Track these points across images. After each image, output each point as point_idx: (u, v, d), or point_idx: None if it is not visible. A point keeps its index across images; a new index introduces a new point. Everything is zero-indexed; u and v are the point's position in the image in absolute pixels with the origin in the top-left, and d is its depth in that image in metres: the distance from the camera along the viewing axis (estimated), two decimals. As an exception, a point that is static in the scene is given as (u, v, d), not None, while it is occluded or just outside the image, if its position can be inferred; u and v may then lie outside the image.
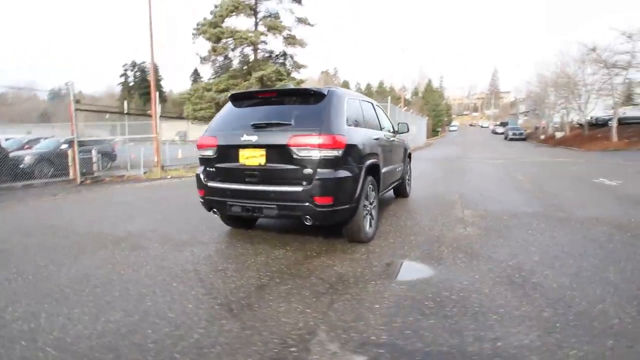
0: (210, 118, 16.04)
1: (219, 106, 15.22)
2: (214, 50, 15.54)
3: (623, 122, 21.34)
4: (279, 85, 15.29)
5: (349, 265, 3.20)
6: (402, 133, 5.66)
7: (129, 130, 15.19)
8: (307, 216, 3.26)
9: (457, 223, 4.60)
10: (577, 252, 3.45)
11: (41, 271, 3.14)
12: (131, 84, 67.65)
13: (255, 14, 16.08)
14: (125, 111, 15.91)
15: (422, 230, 4.33)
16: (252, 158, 3.43)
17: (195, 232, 4.32)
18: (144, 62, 66.46)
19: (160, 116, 12.37)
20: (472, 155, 18.64)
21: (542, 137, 32.75)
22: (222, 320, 2.27)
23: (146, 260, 3.39)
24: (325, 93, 3.50)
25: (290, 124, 3.40)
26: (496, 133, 51.39)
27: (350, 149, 3.39)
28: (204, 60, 16.13)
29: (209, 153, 3.69)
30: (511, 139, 36.19)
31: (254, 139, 3.38)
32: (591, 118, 25.22)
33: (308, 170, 3.24)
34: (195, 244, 3.87)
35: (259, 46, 16.42)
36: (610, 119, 22.76)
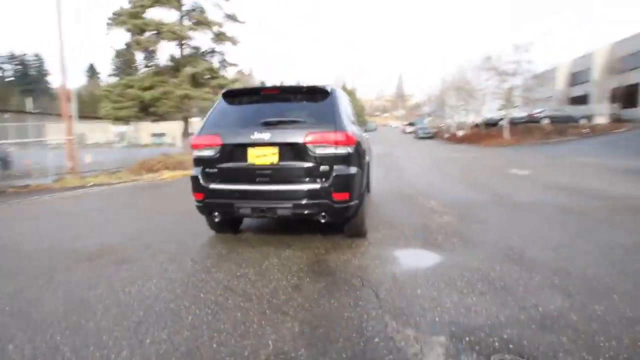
0: (134, 117, 14.58)
1: (144, 105, 13.87)
2: (137, 43, 13.98)
3: (511, 122, 25.24)
4: (215, 83, 14.58)
5: (364, 258, 3.30)
6: (370, 131, 5.94)
7: (13, 133, 12.80)
8: (323, 213, 3.27)
9: (431, 213, 5.03)
10: (547, 230, 4.09)
11: (18, 303, 2.59)
12: (10, 79, 57.34)
13: (180, 6, 14.97)
14: (28, 109, 13.42)
15: (405, 221, 4.62)
16: (262, 157, 3.30)
17: (179, 240, 3.96)
18: (25, 54, 56.87)
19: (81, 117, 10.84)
20: (396, 152, 20.14)
21: (447, 135, 36.81)
22: (285, 324, 2.19)
23: (146, 273, 3.03)
24: (329, 90, 3.53)
25: (305, 122, 3.37)
26: (406, 133, 55.99)
27: (358, 146, 3.49)
28: (122, 53, 14.48)
29: (209, 153, 3.44)
30: (421, 138, 39.94)
31: (266, 136, 3.26)
32: (485, 118, 29.28)
33: (325, 167, 3.24)
34: (189, 252, 3.57)
35: (186, 42, 15.34)
36: (500, 119, 26.75)
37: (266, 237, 4.04)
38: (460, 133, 33.62)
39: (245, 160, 3.34)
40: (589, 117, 25.34)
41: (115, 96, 13.53)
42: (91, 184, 10.26)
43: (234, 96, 3.72)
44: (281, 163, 3.28)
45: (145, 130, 29.67)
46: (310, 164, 3.26)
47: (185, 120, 16.07)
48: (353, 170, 3.37)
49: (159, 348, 1.95)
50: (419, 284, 2.69)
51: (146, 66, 16.35)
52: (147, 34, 14.15)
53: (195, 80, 14.41)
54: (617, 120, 24.84)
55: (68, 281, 2.92)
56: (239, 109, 3.63)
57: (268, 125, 3.32)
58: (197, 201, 3.52)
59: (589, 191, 6.44)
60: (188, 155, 9.96)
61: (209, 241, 3.92)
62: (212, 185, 3.41)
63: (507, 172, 9.83)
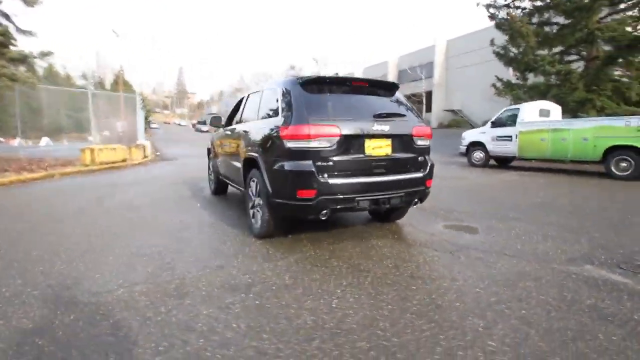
0: None
1: None
2: None
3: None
4: (13, 55, 9.87)
5: (415, 242, 3.84)
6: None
7: None
8: (418, 199, 3.57)
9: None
10: (522, 206, 5.73)
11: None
12: None
13: None
14: None
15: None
16: (378, 148, 3.22)
17: (210, 251, 3.20)
18: None
19: None
20: (197, 154, 19.28)
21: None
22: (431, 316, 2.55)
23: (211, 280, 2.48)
24: (398, 85, 3.78)
25: (406, 115, 3.49)
26: (202, 131, 54.12)
27: None
28: None
29: (325, 144, 3.00)
30: (223, 137, 40.13)
31: (385, 128, 3.21)
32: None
33: (421, 158, 3.53)
34: (242, 260, 3.01)
35: None
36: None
37: (319, 234, 3.81)
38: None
39: (363, 152, 3.18)
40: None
41: None
42: None
43: (317, 84, 3.35)
44: (393, 154, 3.33)
45: None
46: (413, 155, 3.47)
47: None
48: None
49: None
50: (491, 260, 3.54)
51: None
52: None
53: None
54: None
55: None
56: (332, 99, 3.31)
57: (380, 117, 3.29)
58: (304, 199, 3.01)
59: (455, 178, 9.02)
60: None
61: (249, 249, 3.36)
62: (332, 180, 3.03)
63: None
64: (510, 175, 9.21)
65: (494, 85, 16.21)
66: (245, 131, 4.05)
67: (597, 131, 8.52)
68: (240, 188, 4.49)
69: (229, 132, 4.92)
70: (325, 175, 3.04)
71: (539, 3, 14.40)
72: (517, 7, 15.70)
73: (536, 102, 11.05)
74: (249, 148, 3.80)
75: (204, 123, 60.11)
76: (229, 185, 6.03)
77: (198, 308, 2.26)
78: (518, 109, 10.60)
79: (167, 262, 3.06)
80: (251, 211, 3.83)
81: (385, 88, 3.66)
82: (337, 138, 3.06)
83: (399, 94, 3.76)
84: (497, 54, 16.17)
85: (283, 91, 3.41)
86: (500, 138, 10.79)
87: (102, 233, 4.02)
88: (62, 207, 5.49)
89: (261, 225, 3.54)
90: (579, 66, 14.01)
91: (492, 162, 11.61)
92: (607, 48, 13.07)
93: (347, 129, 3.09)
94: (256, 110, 4.03)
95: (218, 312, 2.21)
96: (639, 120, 7.72)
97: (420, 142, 3.52)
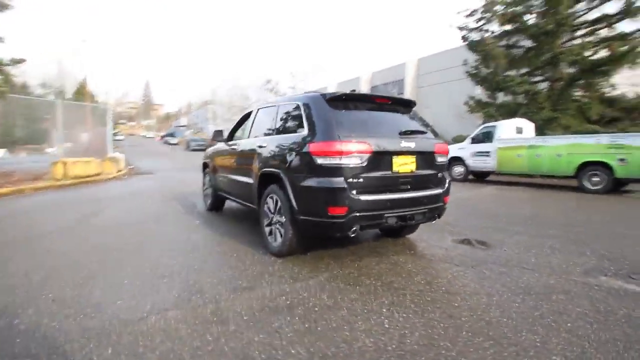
0: None
1: None
2: None
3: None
4: None
5: (435, 257, 3.91)
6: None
7: None
8: (437, 215, 3.62)
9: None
10: (516, 219, 5.92)
11: None
12: None
13: None
14: None
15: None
16: (404, 165, 3.26)
17: (231, 271, 3.09)
18: None
19: None
20: (189, 166, 18.26)
21: (223, 148, 37.87)
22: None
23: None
24: (413, 101, 3.87)
25: (427, 132, 3.56)
26: (171, 144, 52.52)
27: None
28: None
29: (356, 161, 2.99)
30: (194, 150, 39.17)
31: (412, 145, 3.26)
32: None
33: (441, 174, 3.61)
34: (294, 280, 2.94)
35: None
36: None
37: (338, 251, 3.77)
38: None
39: (391, 168, 3.19)
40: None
41: None
42: None
43: (342, 100, 3.35)
44: (417, 171, 3.38)
45: None
46: (434, 172, 3.54)
47: None
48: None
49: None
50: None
51: None
52: None
53: None
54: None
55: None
56: (357, 115, 3.33)
57: (406, 134, 3.34)
58: (336, 216, 2.97)
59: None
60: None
61: (293, 267, 3.27)
62: (363, 197, 3.02)
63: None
64: (492, 189, 9.60)
65: (466, 103, 16.99)
66: (260, 146, 3.96)
67: (570, 148, 9.11)
68: (249, 204, 4.38)
69: (234, 147, 4.80)
70: (355, 192, 3.03)
71: (508, 27, 15.40)
72: (487, 31, 16.71)
73: (512, 119, 11.69)
74: (267, 163, 3.72)
75: (172, 135, 58.40)
76: (226, 201, 5.88)
77: (247, 334, 2.15)
78: (495, 126, 11.15)
79: (191, 284, 2.90)
80: (267, 229, 3.73)
81: (404, 105, 3.73)
82: (368, 155, 3.07)
83: (415, 111, 3.85)
84: (470, 74, 17.05)
85: (308, 106, 3.38)
86: (479, 154, 11.27)
87: (106, 251, 3.76)
88: (50, 224, 5.09)
89: (282, 243, 3.45)
90: (544, 87, 15.02)
91: (470, 176, 12.08)
92: (570, 70, 14.13)
93: (377, 145, 3.11)
94: (272, 125, 3.97)
95: (270, 337, 2.11)
96: (609, 138, 8.35)
97: (440, 159, 3.60)
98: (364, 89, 37.97)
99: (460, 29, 17.41)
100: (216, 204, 5.88)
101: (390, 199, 3.16)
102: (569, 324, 2.28)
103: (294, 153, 3.31)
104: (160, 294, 2.72)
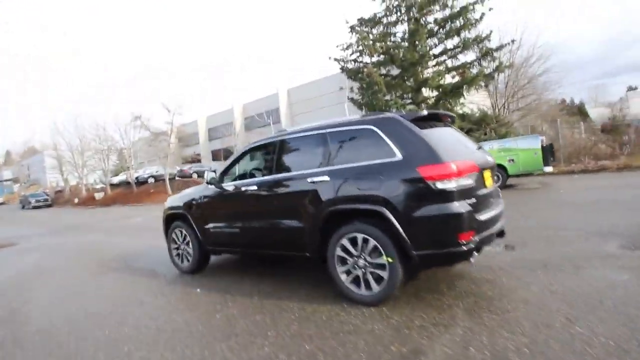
0: None
1: None
2: None
3: (171, 178, 26.33)
4: None
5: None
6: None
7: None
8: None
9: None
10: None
11: None
12: None
13: None
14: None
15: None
16: (489, 179, 3.26)
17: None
18: None
19: None
20: (36, 233, 12.75)
21: (77, 200, 31.35)
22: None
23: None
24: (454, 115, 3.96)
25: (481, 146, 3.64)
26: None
27: None
28: None
29: (469, 181, 2.84)
30: (35, 207, 31.32)
31: (490, 159, 3.34)
32: (135, 177, 28.36)
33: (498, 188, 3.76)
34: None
35: None
36: (149, 177, 27.49)
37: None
38: (99, 195, 30.10)
39: (485, 185, 3.14)
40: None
41: None
42: None
43: (419, 121, 3.13)
44: (494, 185, 3.42)
45: None
46: (497, 185, 3.66)
47: None
48: None
49: None
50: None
51: None
52: None
53: None
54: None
55: None
56: (439, 134, 3.15)
57: (480, 149, 3.36)
58: (464, 243, 2.72)
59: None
60: None
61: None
62: (481, 217, 2.84)
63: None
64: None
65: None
66: (314, 182, 3.34)
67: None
68: (289, 253, 3.69)
69: (248, 188, 3.95)
70: (476, 213, 2.87)
71: (380, 58, 17.76)
72: (361, 62, 18.92)
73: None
74: (339, 199, 3.17)
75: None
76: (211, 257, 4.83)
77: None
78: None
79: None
80: (348, 277, 3.17)
81: (454, 121, 3.79)
82: (476, 173, 2.97)
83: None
84: (352, 100, 18.90)
85: (390, 129, 3.06)
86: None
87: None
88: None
89: (385, 288, 2.97)
90: (417, 109, 17.79)
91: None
92: (434, 94, 17.15)
93: (478, 163, 3.05)
94: (322, 155, 3.41)
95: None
96: (498, 144, 10.41)
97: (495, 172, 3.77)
98: (237, 120, 37.57)
99: (337, 60, 19.27)
100: (200, 263, 4.72)
101: (492, 216, 3.13)
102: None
103: (392, 181, 2.92)
104: None
